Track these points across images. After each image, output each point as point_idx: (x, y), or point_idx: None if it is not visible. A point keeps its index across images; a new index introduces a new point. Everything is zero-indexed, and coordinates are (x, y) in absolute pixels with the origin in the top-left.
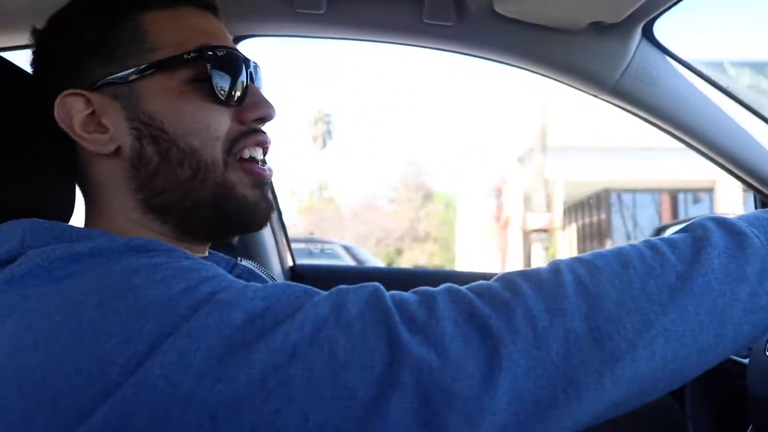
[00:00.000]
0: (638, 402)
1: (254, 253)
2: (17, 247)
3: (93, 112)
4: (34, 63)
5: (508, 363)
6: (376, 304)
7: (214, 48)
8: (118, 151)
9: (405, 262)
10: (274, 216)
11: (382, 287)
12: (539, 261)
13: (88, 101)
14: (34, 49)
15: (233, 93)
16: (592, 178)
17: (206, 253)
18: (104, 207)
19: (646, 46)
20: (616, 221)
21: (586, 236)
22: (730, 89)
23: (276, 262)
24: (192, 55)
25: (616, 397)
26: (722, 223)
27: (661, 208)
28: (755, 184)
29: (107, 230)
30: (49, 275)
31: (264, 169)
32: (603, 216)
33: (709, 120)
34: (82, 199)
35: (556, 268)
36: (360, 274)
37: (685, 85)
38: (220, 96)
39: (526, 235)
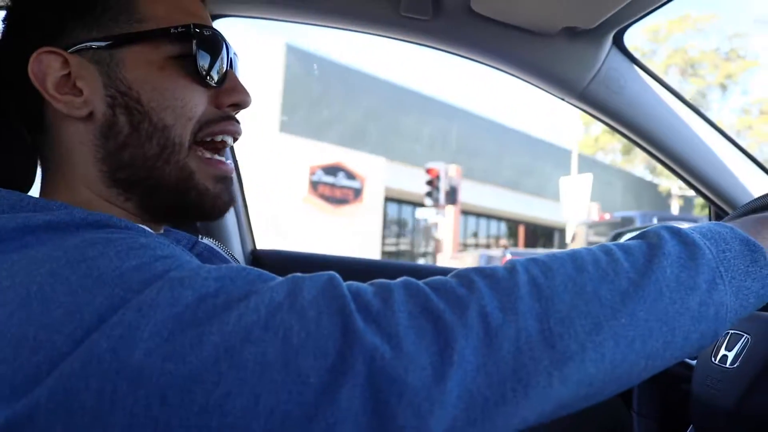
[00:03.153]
0: (585, 403)
1: (216, 234)
2: None
3: (69, 74)
4: (9, 19)
5: (459, 358)
6: (331, 291)
7: (201, 27)
8: (90, 117)
9: None
10: (238, 198)
11: (337, 276)
12: None
13: (65, 62)
14: (10, 4)
15: (214, 74)
16: None
17: (161, 231)
18: (68, 177)
19: (616, 54)
20: None
21: None
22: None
23: (237, 245)
24: (180, 30)
25: (564, 397)
26: (676, 233)
27: None
28: (712, 197)
29: (67, 202)
30: (2, 245)
31: (226, 164)
32: None
33: (671, 131)
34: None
35: (512, 267)
36: (320, 262)
37: (651, 95)
38: (201, 75)
39: None
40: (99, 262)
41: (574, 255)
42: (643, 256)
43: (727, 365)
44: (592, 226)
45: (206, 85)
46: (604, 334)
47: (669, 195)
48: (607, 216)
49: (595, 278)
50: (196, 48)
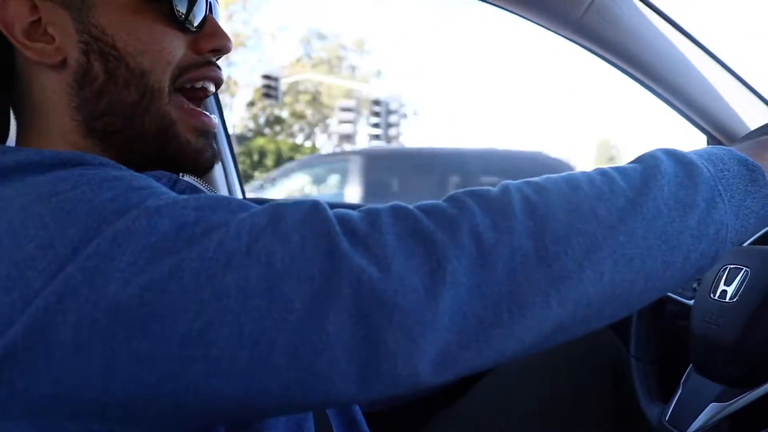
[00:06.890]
0: (585, 327)
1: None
2: None
3: (39, 20)
4: None
5: (451, 279)
6: (316, 216)
7: None
8: (63, 64)
9: None
10: (225, 148)
11: (322, 202)
12: None
13: (34, 7)
14: None
15: (192, 18)
16: None
17: None
18: (41, 127)
19: None
20: None
21: None
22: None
23: (225, 194)
24: None
25: (563, 319)
26: (672, 153)
27: None
28: (708, 129)
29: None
30: None
31: (209, 117)
32: None
33: (668, 62)
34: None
35: (504, 188)
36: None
37: (647, 25)
38: (179, 19)
39: None
40: (71, 195)
41: (569, 176)
42: (639, 175)
43: (727, 300)
44: None
45: (184, 30)
46: (602, 252)
47: None
48: None
49: (591, 196)
50: None
